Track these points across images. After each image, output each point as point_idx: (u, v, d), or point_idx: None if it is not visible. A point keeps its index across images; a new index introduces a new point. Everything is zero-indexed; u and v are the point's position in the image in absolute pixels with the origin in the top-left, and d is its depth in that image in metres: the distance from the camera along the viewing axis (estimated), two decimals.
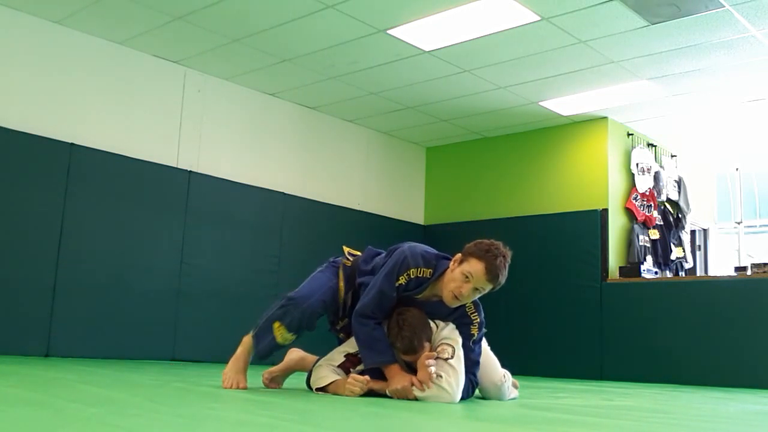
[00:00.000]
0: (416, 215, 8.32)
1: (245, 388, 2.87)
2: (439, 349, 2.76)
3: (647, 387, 5.33)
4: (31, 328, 5.27)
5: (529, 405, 2.86)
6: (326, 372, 2.85)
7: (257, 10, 5.26)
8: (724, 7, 4.84)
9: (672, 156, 7.89)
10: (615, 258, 7.04)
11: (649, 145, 7.64)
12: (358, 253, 3.11)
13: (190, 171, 6.31)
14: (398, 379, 2.69)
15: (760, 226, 9.27)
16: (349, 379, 2.75)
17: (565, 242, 7.07)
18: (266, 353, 2.94)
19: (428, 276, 2.79)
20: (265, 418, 1.95)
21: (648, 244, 7.32)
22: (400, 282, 2.79)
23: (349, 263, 3.07)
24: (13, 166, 5.33)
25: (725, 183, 8.87)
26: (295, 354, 3.20)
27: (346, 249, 3.13)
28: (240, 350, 3.00)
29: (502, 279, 2.71)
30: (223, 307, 6.33)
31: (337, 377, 2.82)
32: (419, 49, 5.77)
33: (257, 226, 6.71)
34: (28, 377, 3.16)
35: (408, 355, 2.73)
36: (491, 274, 2.66)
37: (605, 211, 7.03)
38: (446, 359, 2.71)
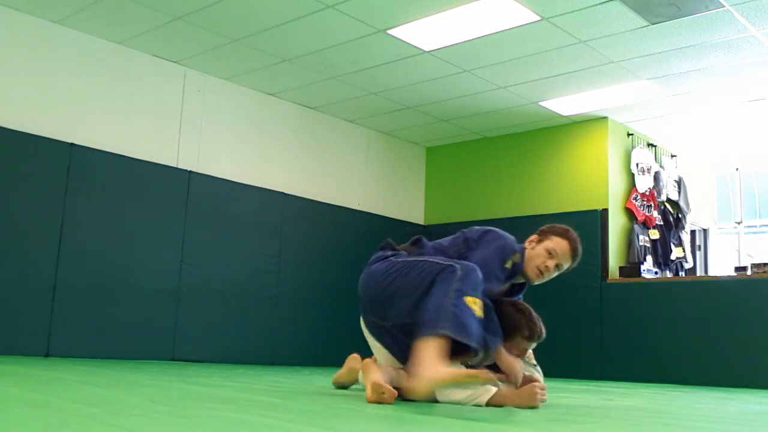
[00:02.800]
0: (416, 215, 8.33)
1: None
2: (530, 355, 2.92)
3: (647, 387, 5.33)
4: (31, 328, 5.27)
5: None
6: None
7: (257, 10, 5.26)
8: (724, 7, 4.84)
9: (672, 156, 7.89)
10: (615, 258, 7.04)
11: (649, 145, 7.64)
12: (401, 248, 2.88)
13: (190, 171, 6.31)
14: (526, 390, 2.60)
15: (760, 226, 9.28)
16: (537, 388, 2.60)
17: None
18: (479, 337, 2.42)
19: (519, 261, 2.83)
20: (265, 419, 1.95)
21: (648, 244, 7.32)
22: (507, 265, 2.78)
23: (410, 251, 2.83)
24: (13, 166, 5.34)
25: (725, 183, 8.88)
26: (371, 362, 2.75)
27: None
28: (428, 358, 2.33)
29: (578, 260, 2.87)
30: (223, 307, 6.33)
31: (494, 389, 2.61)
32: (419, 49, 5.77)
33: (257, 226, 6.71)
34: (28, 377, 3.15)
35: (529, 342, 2.78)
36: (575, 251, 2.84)
37: (605, 211, 7.03)
38: (534, 365, 2.93)
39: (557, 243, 2.82)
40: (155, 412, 1.95)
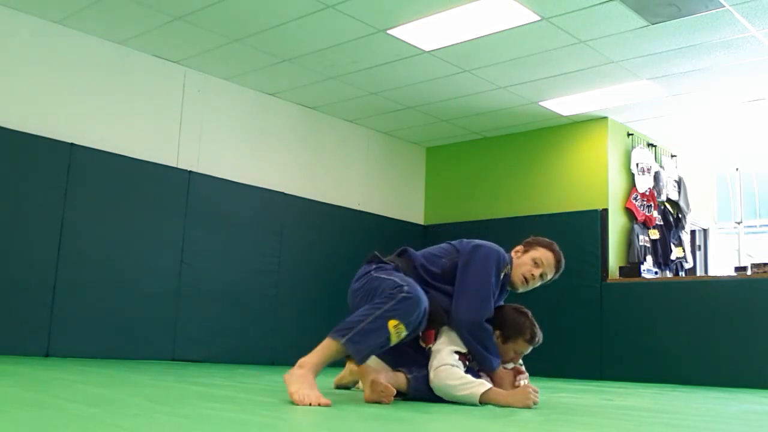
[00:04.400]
0: (416, 215, 8.32)
1: (329, 404, 2.31)
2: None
3: (647, 387, 5.33)
4: (31, 328, 5.27)
5: None
6: (472, 376, 2.67)
7: (257, 10, 5.26)
8: (724, 7, 4.84)
9: (672, 156, 7.89)
10: (615, 258, 7.04)
11: (649, 145, 7.64)
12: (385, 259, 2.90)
13: (190, 171, 6.31)
14: (520, 391, 2.67)
15: (760, 226, 9.28)
16: (531, 390, 2.65)
17: (565, 242, 6.93)
18: (368, 356, 2.54)
19: (509, 271, 2.93)
20: (265, 418, 1.95)
21: (648, 244, 7.32)
22: (501, 275, 2.90)
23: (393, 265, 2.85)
24: (13, 166, 5.33)
25: (725, 183, 8.87)
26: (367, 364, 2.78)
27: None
28: (314, 358, 2.48)
29: (561, 272, 3.00)
30: (223, 307, 6.33)
31: (490, 384, 2.66)
32: (419, 49, 5.77)
33: (257, 226, 6.71)
34: (28, 377, 3.16)
35: (528, 345, 2.87)
36: (559, 263, 2.97)
37: (605, 211, 7.03)
38: (520, 364, 2.99)
39: (543, 253, 2.94)
40: (155, 412, 1.95)
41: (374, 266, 2.81)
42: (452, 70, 6.20)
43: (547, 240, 3.02)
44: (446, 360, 2.67)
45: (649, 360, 6.38)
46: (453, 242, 2.97)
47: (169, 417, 1.86)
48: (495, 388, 2.64)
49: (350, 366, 3.16)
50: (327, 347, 2.48)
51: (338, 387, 3.26)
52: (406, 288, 2.55)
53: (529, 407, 2.59)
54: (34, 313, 5.30)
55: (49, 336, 5.33)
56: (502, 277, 2.88)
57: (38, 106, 5.54)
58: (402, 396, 2.67)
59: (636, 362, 6.45)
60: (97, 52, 5.87)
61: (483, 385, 2.61)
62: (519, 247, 3.02)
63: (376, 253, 2.90)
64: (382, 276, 2.69)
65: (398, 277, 2.66)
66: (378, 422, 2.02)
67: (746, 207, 8.78)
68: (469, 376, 2.64)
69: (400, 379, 2.67)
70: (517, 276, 2.93)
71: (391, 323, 2.47)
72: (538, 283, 2.98)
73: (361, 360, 2.49)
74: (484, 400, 2.59)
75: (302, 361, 2.46)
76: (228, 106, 6.71)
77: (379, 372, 2.62)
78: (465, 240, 2.96)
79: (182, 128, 6.37)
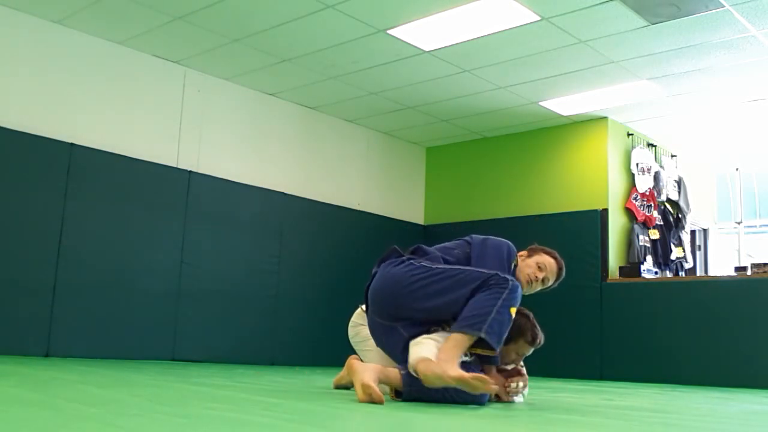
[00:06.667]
0: (416, 215, 8.33)
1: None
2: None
3: (647, 387, 5.33)
4: (31, 328, 5.27)
5: (529, 404, 2.86)
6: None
7: (257, 10, 5.26)
8: (724, 7, 4.84)
9: (672, 156, 7.89)
10: (615, 258, 7.04)
11: (649, 145, 7.64)
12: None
13: (190, 171, 6.31)
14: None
15: (760, 226, 9.27)
16: (492, 381, 2.60)
17: (565, 242, 7.02)
18: (501, 343, 2.65)
19: (516, 264, 3.03)
20: (265, 419, 1.95)
21: (648, 244, 7.32)
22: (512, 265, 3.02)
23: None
24: (13, 166, 5.34)
25: (725, 183, 8.87)
26: (358, 362, 2.81)
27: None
28: (453, 352, 2.56)
29: (561, 280, 3.14)
30: (223, 307, 6.33)
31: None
32: (419, 49, 5.77)
33: (257, 226, 6.71)
34: (28, 377, 3.16)
35: (530, 346, 2.92)
36: (561, 270, 3.10)
37: (605, 211, 7.03)
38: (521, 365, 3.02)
39: (546, 260, 3.06)
40: (155, 412, 1.95)
41: (405, 257, 2.89)
42: (452, 70, 6.20)
43: (550, 249, 3.14)
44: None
45: (649, 360, 6.38)
46: (464, 237, 3.08)
47: (169, 417, 1.86)
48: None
49: (348, 366, 3.16)
50: (461, 341, 2.58)
51: (337, 387, 3.27)
52: (510, 278, 2.72)
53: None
54: (34, 313, 5.30)
55: (49, 336, 5.33)
56: (512, 268, 2.97)
57: (38, 106, 5.54)
58: (399, 395, 2.65)
59: (636, 362, 6.45)
60: (97, 52, 5.87)
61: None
62: (523, 252, 3.11)
63: (396, 247, 2.97)
64: (459, 268, 2.79)
65: (473, 269, 2.78)
66: (377, 422, 2.03)
67: (746, 207, 8.78)
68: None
69: (395, 375, 2.64)
70: (523, 275, 3.01)
71: (512, 310, 2.67)
72: (539, 288, 3.07)
73: (498, 346, 2.61)
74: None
75: (442, 360, 2.51)
76: (228, 106, 6.71)
77: (371, 370, 2.60)
78: (474, 235, 3.07)
79: (182, 128, 6.37)
